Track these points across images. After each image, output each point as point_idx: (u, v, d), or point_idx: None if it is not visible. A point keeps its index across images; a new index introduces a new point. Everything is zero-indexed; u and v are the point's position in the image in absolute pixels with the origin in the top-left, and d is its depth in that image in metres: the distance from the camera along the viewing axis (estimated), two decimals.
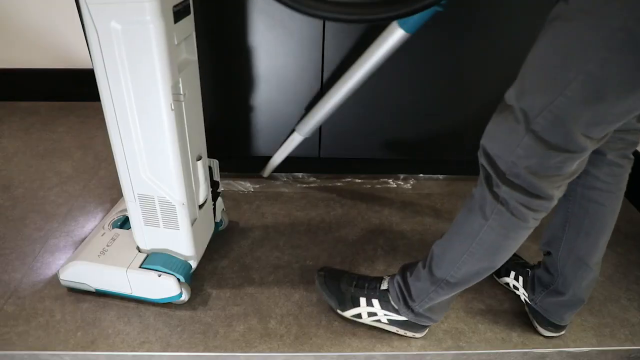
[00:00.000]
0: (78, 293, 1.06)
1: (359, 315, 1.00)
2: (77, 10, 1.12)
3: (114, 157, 0.91)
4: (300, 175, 1.53)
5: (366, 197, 1.44)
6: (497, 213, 0.76)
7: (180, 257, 1.03)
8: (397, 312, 0.96)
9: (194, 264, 1.05)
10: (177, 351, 0.96)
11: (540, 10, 1.18)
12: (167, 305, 1.04)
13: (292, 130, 1.33)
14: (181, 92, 0.85)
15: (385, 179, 1.53)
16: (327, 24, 1.17)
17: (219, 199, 1.18)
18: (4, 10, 1.73)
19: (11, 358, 0.95)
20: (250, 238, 1.26)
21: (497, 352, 1.00)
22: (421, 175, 1.55)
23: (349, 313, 1.01)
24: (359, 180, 1.51)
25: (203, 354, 0.96)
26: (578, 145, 0.67)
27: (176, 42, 0.81)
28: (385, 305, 0.98)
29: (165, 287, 0.99)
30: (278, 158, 1.40)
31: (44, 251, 1.18)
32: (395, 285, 0.96)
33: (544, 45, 0.66)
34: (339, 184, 1.50)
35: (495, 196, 0.75)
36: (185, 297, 1.02)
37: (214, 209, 1.16)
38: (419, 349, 0.99)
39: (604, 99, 0.61)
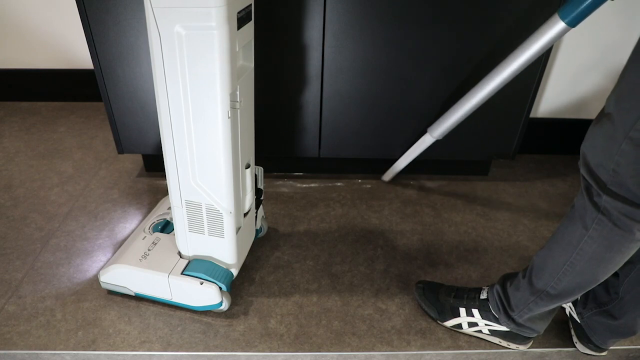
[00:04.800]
0: (79, 293, 1.07)
1: (459, 326, 1.00)
2: (77, 11, 1.13)
3: (164, 162, 0.90)
4: (300, 175, 1.53)
5: (366, 197, 1.44)
6: (598, 223, 0.74)
7: (222, 265, 1.02)
8: (497, 321, 0.96)
9: (235, 272, 1.04)
10: (178, 351, 0.96)
11: (541, 10, 1.19)
12: (167, 304, 1.05)
13: (424, 132, 1.31)
14: (238, 100, 0.84)
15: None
16: (327, 23, 1.17)
17: (260, 206, 1.17)
18: (4, 10, 1.73)
19: (12, 357, 0.95)
20: None
21: (496, 352, 1.00)
22: (421, 175, 1.56)
23: (449, 323, 1.01)
24: (359, 180, 1.52)
25: (203, 353, 0.96)
26: None
27: (237, 49, 0.80)
28: (485, 314, 0.97)
29: (206, 295, 0.98)
30: (405, 161, 1.37)
31: (45, 251, 1.19)
32: (495, 294, 0.96)
33: (637, 46, 0.64)
34: (339, 184, 1.50)
35: (596, 206, 0.74)
36: (225, 306, 1.01)
37: (255, 216, 1.14)
38: (418, 348, 0.99)
39: None
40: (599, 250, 0.77)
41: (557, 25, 0.97)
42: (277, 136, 1.36)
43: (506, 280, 0.96)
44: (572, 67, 1.52)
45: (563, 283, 0.83)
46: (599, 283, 0.82)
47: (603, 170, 0.71)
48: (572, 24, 0.95)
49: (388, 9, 1.15)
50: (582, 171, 0.75)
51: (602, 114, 0.71)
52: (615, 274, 0.93)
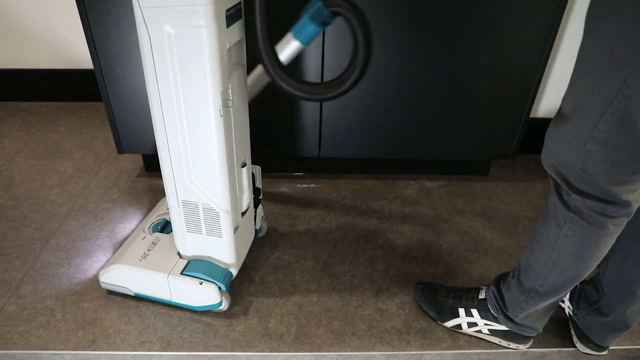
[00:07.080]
0: (79, 293, 1.07)
1: (459, 326, 1.01)
2: (77, 11, 1.13)
3: (160, 162, 0.90)
4: (300, 175, 1.53)
5: (366, 197, 1.44)
6: (571, 222, 0.74)
7: (222, 265, 1.02)
8: (497, 320, 0.96)
9: (234, 272, 1.04)
10: (178, 351, 0.96)
11: (539, 9, 1.19)
12: (167, 304, 1.05)
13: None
14: (230, 98, 0.84)
15: (386, 179, 1.53)
16: None
17: (259, 206, 1.17)
18: (4, 10, 1.73)
19: (12, 357, 0.95)
20: None
21: (496, 352, 1.00)
22: (421, 175, 1.56)
23: (449, 324, 1.01)
24: (359, 180, 1.52)
25: (203, 353, 0.96)
26: None
27: (227, 47, 0.80)
28: (484, 314, 0.97)
29: (206, 295, 0.98)
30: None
31: (45, 251, 1.19)
32: (491, 294, 0.96)
33: (589, 46, 0.64)
34: (339, 184, 1.50)
35: (566, 205, 0.74)
36: (224, 306, 1.01)
37: (254, 216, 1.14)
38: (418, 348, 0.99)
39: None
40: (577, 248, 0.77)
41: (292, 43, 1.00)
42: (277, 136, 1.36)
43: (500, 280, 0.97)
44: (572, 67, 1.52)
45: (549, 281, 0.84)
46: (584, 278, 0.82)
47: (571, 170, 0.71)
48: (305, 42, 0.98)
49: (388, 9, 1.15)
50: (550, 172, 0.75)
51: (561, 115, 0.71)
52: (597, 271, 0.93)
